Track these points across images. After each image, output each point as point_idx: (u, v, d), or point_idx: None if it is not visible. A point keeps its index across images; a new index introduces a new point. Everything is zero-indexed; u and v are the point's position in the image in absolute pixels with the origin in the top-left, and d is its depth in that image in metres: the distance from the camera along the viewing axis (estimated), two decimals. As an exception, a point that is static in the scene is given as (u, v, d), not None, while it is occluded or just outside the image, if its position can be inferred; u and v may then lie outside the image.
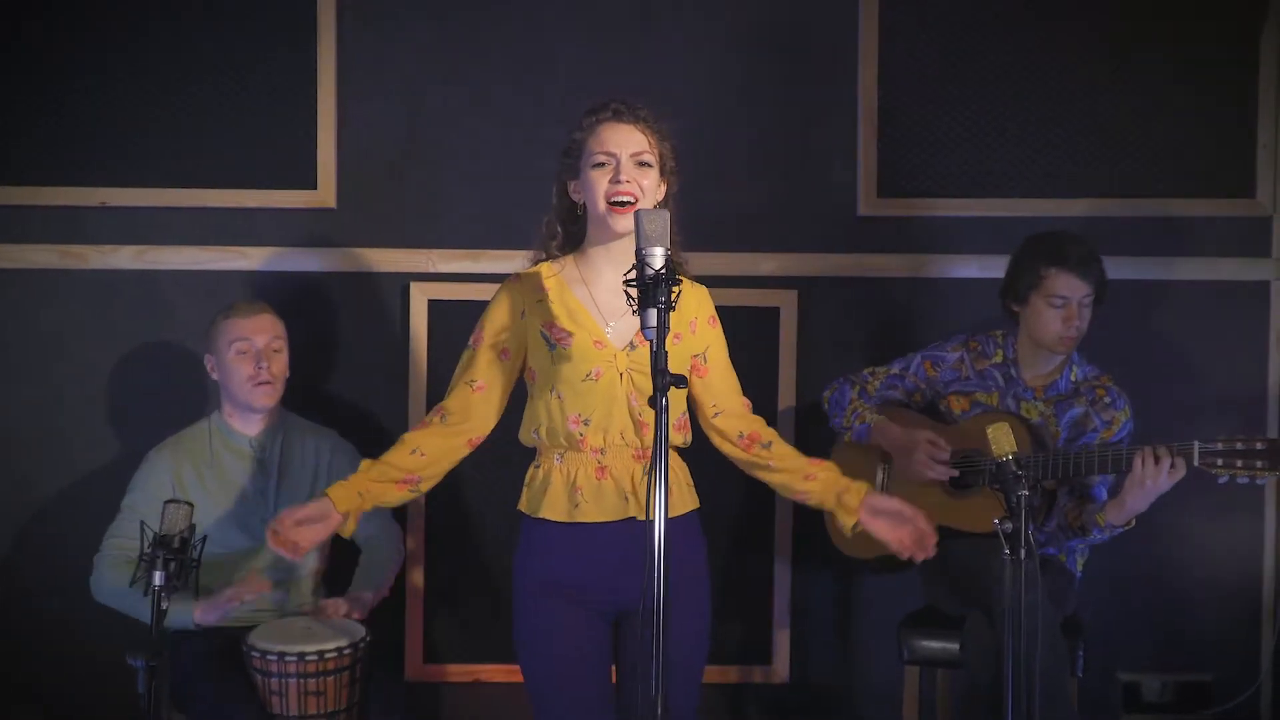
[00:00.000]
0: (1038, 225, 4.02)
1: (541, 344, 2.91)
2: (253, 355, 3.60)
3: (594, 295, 2.93)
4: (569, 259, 2.98)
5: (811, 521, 4.07)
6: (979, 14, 4.10)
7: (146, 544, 2.94)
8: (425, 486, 2.96)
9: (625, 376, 2.88)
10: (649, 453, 2.88)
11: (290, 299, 3.98)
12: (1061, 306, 3.59)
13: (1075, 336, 3.62)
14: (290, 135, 4.08)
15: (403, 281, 4.11)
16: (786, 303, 4.12)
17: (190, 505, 3.00)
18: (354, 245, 4.11)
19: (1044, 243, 3.63)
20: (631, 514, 2.89)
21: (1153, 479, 3.33)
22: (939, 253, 4.15)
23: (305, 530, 2.85)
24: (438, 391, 3.96)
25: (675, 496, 2.93)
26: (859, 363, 4.05)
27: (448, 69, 4.12)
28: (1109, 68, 4.09)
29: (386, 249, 4.11)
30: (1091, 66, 4.09)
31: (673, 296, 2.55)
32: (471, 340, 2.99)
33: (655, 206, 2.91)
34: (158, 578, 2.89)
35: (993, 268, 4.04)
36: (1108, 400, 3.64)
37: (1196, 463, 3.31)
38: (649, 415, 2.85)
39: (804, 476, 3.01)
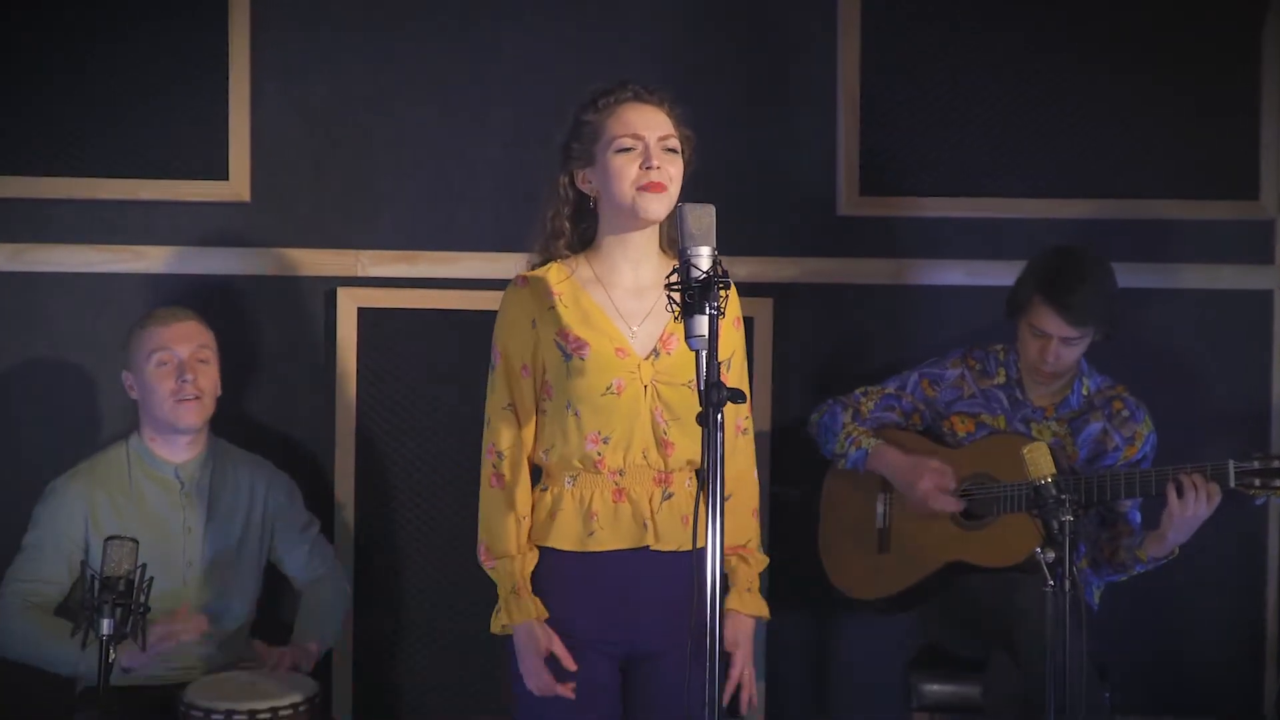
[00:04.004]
0: (1029, 228, 4.18)
1: (557, 354, 2.92)
2: (174, 367, 3.54)
3: (613, 298, 2.95)
4: (580, 258, 2.99)
5: (788, 556, 4.13)
6: (972, -2, 4.23)
7: (85, 588, 2.89)
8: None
9: (650, 389, 2.91)
10: (671, 476, 2.93)
11: (197, 306, 3.86)
12: (1039, 337, 3.69)
13: (1049, 371, 3.72)
14: (197, 117, 4.03)
15: (328, 286, 4.09)
16: (760, 311, 4.17)
17: (134, 542, 2.96)
18: (271, 244, 4.08)
19: (1048, 264, 3.70)
20: (648, 543, 2.92)
21: (1193, 511, 3.46)
22: (925, 257, 4.24)
23: (562, 648, 2.91)
24: (369, 411, 4.08)
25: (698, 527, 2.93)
26: (839, 377, 4.12)
27: (377, 44, 4.11)
28: (1108, 62, 4.22)
29: (309, 249, 4.08)
30: (1090, 61, 4.22)
31: (722, 303, 2.56)
32: (492, 359, 3.00)
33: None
34: (105, 625, 2.84)
35: (982, 274, 4.19)
36: (1125, 414, 3.77)
37: (1233, 484, 3.45)
38: (674, 434, 2.91)
39: (733, 549, 3.03)
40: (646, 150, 2.89)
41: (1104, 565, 3.72)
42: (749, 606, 3.05)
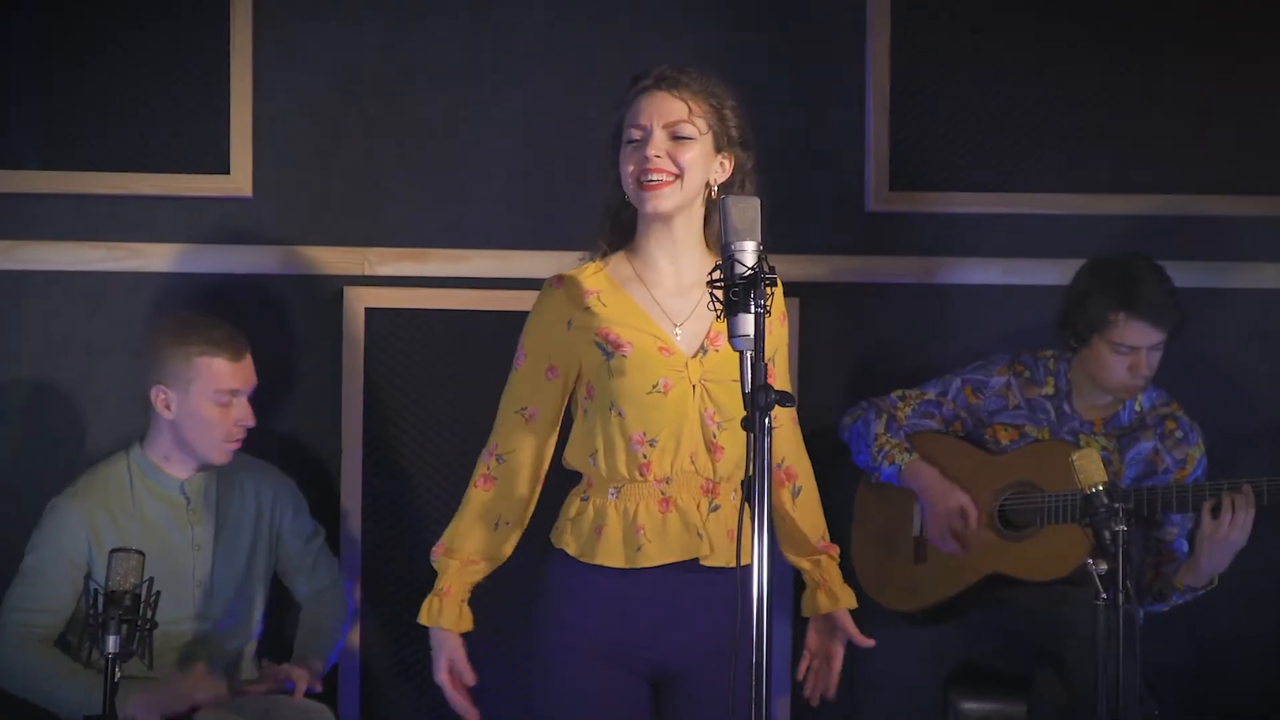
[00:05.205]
0: (1067, 225, 4.16)
1: (597, 354, 2.89)
2: (234, 410, 3.50)
3: (655, 296, 2.92)
4: (620, 256, 2.98)
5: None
6: (1009, -15, 4.20)
7: (89, 603, 2.86)
8: (512, 548, 3.02)
9: (698, 389, 2.87)
10: (719, 486, 2.91)
11: (197, 307, 3.88)
12: (1128, 354, 3.64)
13: (1141, 385, 3.69)
14: (197, 108, 4.00)
15: (335, 285, 4.06)
16: (787, 311, 4.09)
17: (140, 554, 2.93)
18: (275, 242, 4.05)
19: (1114, 278, 3.65)
20: (701, 554, 2.88)
21: (1224, 533, 3.45)
22: (958, 255, 4.21)
23: (461, 666, 2.99)
24: (378, 415, 4.04)
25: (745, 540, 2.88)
26: (869, 380, 4.10)
27: (385, 32, 4.08)
28: (1149, 53, 4.18)
29: (314, 247, 4.06)
30: (1131, 51, 4.18)
31: (769, 300, 2.53)
32: (515, 360, 2.99)
33: (713, 186, 2.92)
34: (111, 643, 2.82)
35: (1018, 272, 4.17)
36: (1179, 435, 3.74)
37: (1266, 501, 3.44)
38: (724, 438, 2.88)
39: (805, 554, 3.11)
40: (647, 139, 2.87)
41: (1145, 594, 3.69)
42: (852, 600, 3.11)
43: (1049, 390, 3.78)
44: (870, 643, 3.10)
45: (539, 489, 3.00)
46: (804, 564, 3.09)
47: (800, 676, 3.16)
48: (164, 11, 3.99)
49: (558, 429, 2.99)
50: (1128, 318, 3.61)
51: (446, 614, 2.97)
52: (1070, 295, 3.74)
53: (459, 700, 2.98)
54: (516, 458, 2.95)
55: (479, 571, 2.99)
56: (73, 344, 3.99)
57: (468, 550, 2.97)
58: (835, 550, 3.12)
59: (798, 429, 3.10)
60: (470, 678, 2.98)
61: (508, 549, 3.00)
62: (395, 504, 4.07)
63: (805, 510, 3.08)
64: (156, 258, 4.00)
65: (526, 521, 3.00)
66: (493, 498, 2.96)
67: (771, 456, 2.50)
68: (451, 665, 2.98)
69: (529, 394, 2.95)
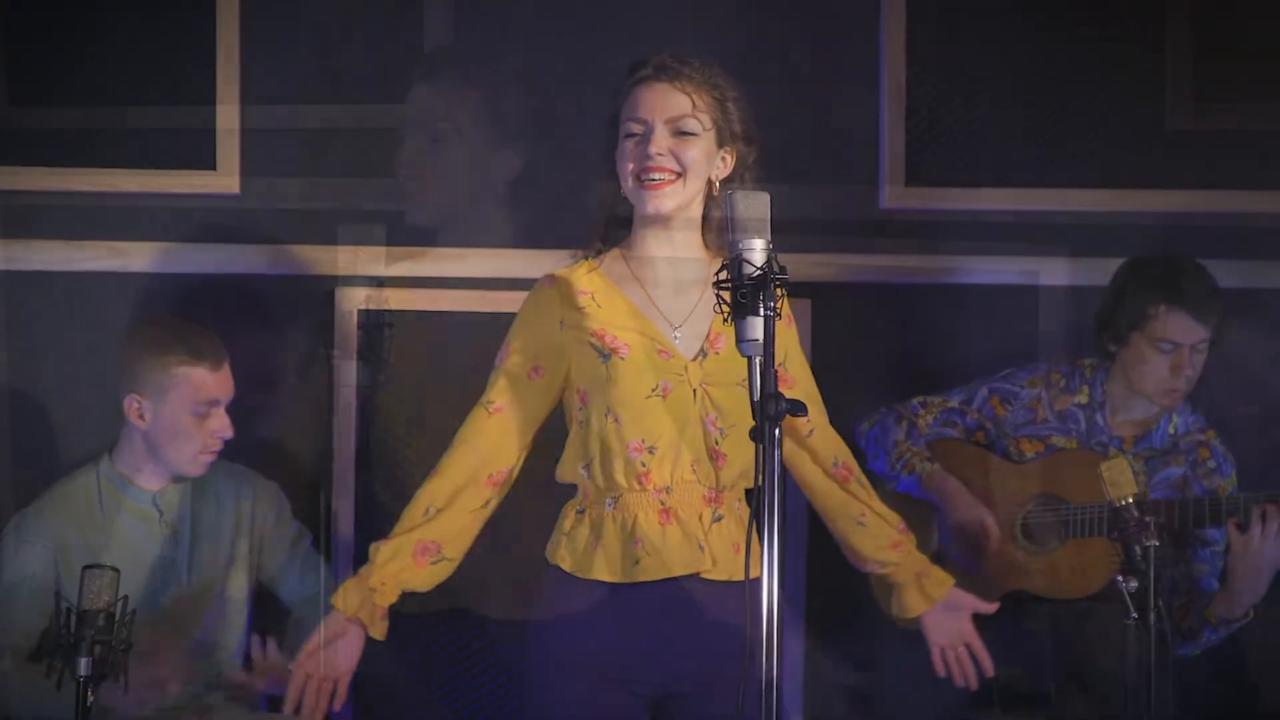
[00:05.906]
0: (1090, 222, 4.08)
1: (592, 356, 2.83)
2: (211, 421, 3.43)
3: (651, 295, 2.87)
4: (614, 254, 2.92)
5: (830, 580, 4.00)
6: (1031, -30, 4.16)
7: (61, 623, 2.78)
8: (452, 551, 2.89)
9: (700, 393, 2.81)
10: (722, 495, 2.84)
11: (182, 308, 3.86)
12: (1171, 352, 3.56)
13: (1184, 388, 3.61)
14: (181, 100, 3.98)
15: (326, 286, 4.02)
16: (798, 313, 3.98)
17: (115, 571, 2.84)
18: (263, 240, 4.02)
19: (1153, 272, 3.59)
20: (702, 568, 2.80)
21: (1257, 546, 3.37)
22: (976, 254, 4.14)
23: (333, 657, 2.83)
24: (371, 422, 4.00)
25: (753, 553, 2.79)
26: (882, 384, 4.02)
27: (377, 20, 4.06)
28: (1178, 40, 4.12)
29: (305, 245, 4.02)
30: (1159, 37, 4.11)
31: (779, 302, 2.45)
32: (497, 358, 2.93)
33: (714, 182, 2.86)
34: (84, 665, 2.73)
35: (1038, 272, 4.09)
36: (1212, 464, 3.66)
37: None
38: (727, 444, 2.81)
39: (892, 544, 3.05)
40: (649, 135, 2.80)
41: (1173, 632, 3.57)
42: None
43: (1083, 399, 3.70)
44: (994, 606, 3.08)
45: (484, 490, 2.88)
46: (891, 557, 3.04)
47: (941, 672, 3.12)
48: (150, 6, 3.97)
49: (529, 434, 2.90)
50: (1169, 310, 3.54)
51: (342, 593, 2.86)
52: (1108, 294, 3.68)
53: (293, 694, 2.83)
54: (459, 448, 2.89)
55: (396, 558, 2.85)
56: (55, 347, 3.97)
57: (395, 530, 2.88)
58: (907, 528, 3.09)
59: (829, 424, 3.06)
60: (339, 682, 2.84)
61: (433, 533, 2.86)
62: (388, 510, 3.92)
63: (874, 499, 3.05)
64: (140, 257, 3.98)
65: (459, 519, 2.87)
66: (434, 484, 2.89)
67: (780, 470, 2.41)
68: (325, 655, 2.84)
69: (499, 389, 2.89)
